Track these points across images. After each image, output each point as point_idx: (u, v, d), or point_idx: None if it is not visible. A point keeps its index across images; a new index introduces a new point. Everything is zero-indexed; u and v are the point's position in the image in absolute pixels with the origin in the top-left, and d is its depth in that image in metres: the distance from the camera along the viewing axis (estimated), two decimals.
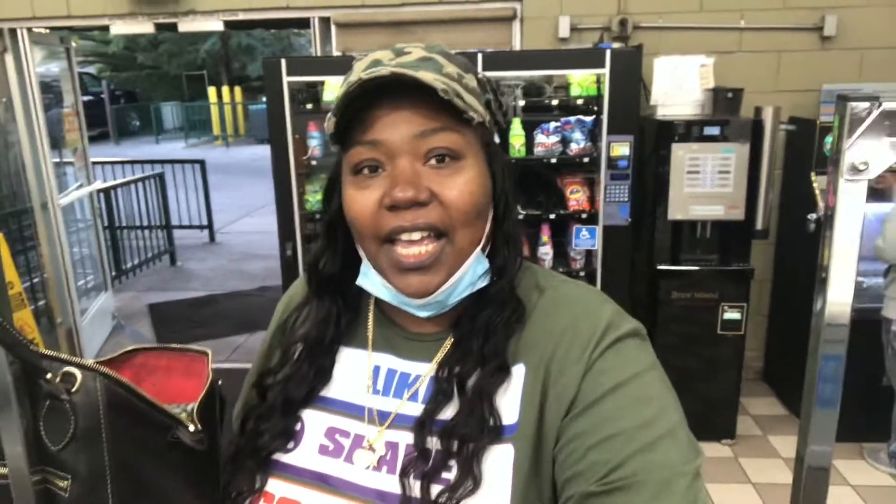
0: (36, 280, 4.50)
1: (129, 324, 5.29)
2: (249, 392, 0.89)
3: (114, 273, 5.97)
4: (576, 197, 3.27)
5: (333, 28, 3.80)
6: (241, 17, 3.87)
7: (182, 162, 8.15)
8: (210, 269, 6.78)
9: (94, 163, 5.74)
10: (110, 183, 6.90)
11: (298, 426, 0.77)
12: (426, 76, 0.64)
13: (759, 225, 3.17)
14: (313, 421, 0.77)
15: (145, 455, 0.74)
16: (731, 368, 3.30)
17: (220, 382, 0.85)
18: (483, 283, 0.73)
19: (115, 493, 0.71)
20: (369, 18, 3.75)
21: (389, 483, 0.70)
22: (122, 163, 8.38)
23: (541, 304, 0.74)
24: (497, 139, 0.75)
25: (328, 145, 3.43)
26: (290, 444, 0.76)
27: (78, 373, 0.69)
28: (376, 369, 0.78)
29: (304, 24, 4.01)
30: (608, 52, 3.03)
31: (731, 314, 3.23)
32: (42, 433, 0.69)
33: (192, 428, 0.77)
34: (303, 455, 0.75)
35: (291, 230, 3.36)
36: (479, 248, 0.71)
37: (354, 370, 0.78)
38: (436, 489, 0.66)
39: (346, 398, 0.77)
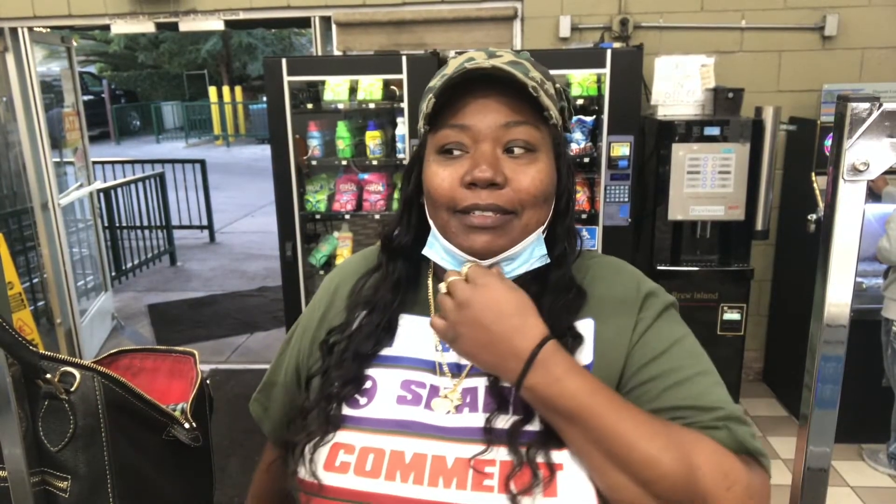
0: (36, 280, 4.50)
1: (128, 324, 5.29)
2: (274, 371, 0.94)
3: (113, 273, 5.97)
4: (576, 197, 3.27)
5: (334, 27, 3.80)
6: (242, 16, 3.88)
7: (182, 162, 8.15)
8: (210, 270, 6.78)
9: (95, 162, 5.75)
10: (110, 183, 6.90)
11: (370, 384, 0.80)
12: (518, 73, 0.73)
13: (759, 225, 3.17)
14: (385, 377, 0.81)
15: (143, 453, 0.75)
16: (731, 369, 3.29)
17: (208, 381, 0.86)
18: (539, 265, 0.79)
19: (115, 492, 0.71)
20: (370, 18, 3.75)
21: (474, 420, 0.75)
22: (123, 162, 8.38)
23: (597, 270, 0.84)
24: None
25: (328, 145, 3.44)
26: (363, 400, 0.79)
27: (76, 373, 0.69)
28: None
29: (304, 23, 4.02)
30: (609, 52, 3.03)
31: (731, 315, 3.23)
32: (41, 434, 0.69)
33: (187, 426, 0.78)
34: (380, 407, 0.78)
35: (291, 230, 3.36)
36: (540, 230, 0.79)
37: (419, 333, 0.84)
38: (524, 425, 0.72)
39: (415, 355, 0.82)
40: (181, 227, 7.59)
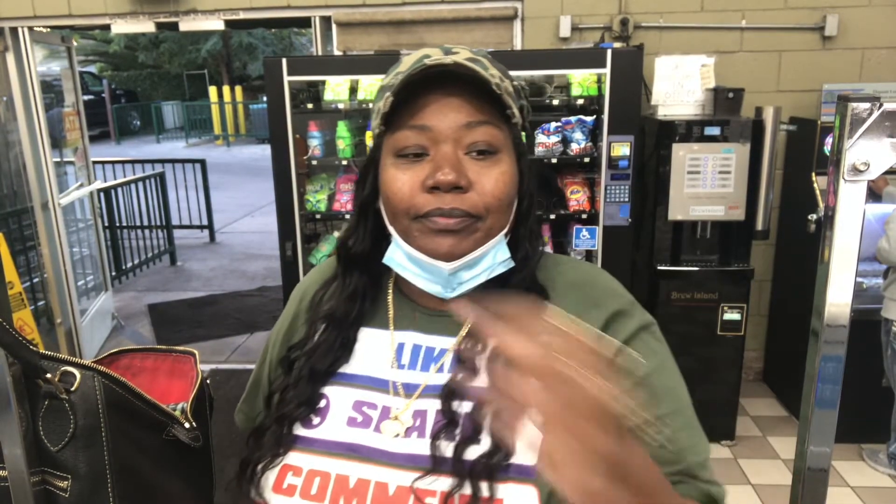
0: (36, 280, 4.50)
1: (128, 324, 5.29)
2: (255, 383, 0.91)
3: (114, 273, 5.97)
4: (576, 197, 3.27)
5: (334, 27, 3.80)
6: (242, 16, 3.87)
7: (182, 161, 8.15)
8: (210, 269, 6.78)
9: (95, 162, 5.74)
10: (111, 182, 6.90)
11: (323, 403, 0.79)
12: (480, 70, 0.70)
13: (759, 225, 3.17)
14: (338, 396, 0.79)
15: (143, 453, 0.75)
16: (731, 369, 3.29)
17: (208, 381, 0.86)
18: (500, 270, 0.77)
19: (115, 492, 0.71)
20: (370, 18, 3.75)
21: (420, 447, 0.72)
22: (123, 162, 8.38)
23: (565, 278, 0.80)
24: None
25: (328, 145, 3.44)
26: (316, 420, 0.78)
27: (77, 372, 0.69)
28: (400, 346, 0.80)
29: (305, 23, 4.02)
30: (609, 52, 3.03)
31: (731, 315, 3.23)
32: (41, 434, 0.69)
33: (187, 425, 0.78)
34: (330, 428, 0.77)
35: (292, 230, 3.36)
36: (503, 233, 0.76)
37: (376, 348, 0.81)
38: (470, 452, 0.69)
39: (370, 373, 0.80)
40: (181, 226, 7.59)
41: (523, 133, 0.80)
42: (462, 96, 0.72)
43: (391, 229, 0.77)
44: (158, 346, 0.89)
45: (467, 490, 0.68)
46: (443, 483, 0.69)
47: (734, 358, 3.29)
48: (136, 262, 6.58)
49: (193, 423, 0.80)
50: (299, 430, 0.77)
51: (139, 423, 0.74)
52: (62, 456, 0.69)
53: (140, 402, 0.74)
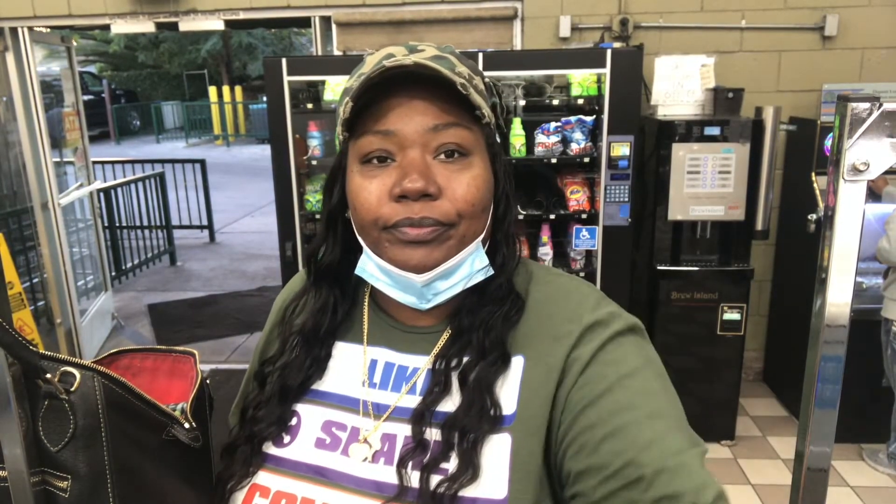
0: (36, 280, 4.50)
1: (128, 324, 5.29)
2: (247, 385, 0.90)
3: (113, 273, 5.97)
4: (576, 197, 3.27)
5: (334, 27, 3.80)
6: (242, 16, 3.87)
7: (182, 161, 8.15)
8: (210, 269, 6.78)
9: (95, 162, 5.74)
10: (110, 183, 6.90)
11: (294, 421, 0.77)
12: (443, 70, 0.66)
13: (759, 225, 3.17)
14: (309, 415, 0.77)
15: (143, 453, 0.75)
16: (731, 369, 3.29)
17: (208, 381, 0.85)
18: (479, 279, 0.73)
19: (115, 492, 0.71)
20: (370, 18, 3.75)
21: (386, 474, 0.70)
22: (123, 162, 8.38)
23: (537, 296, 0.75)
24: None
25: (329, 145, 3.44)
26: (286, 439, 0.76)
27: (76, 372, 0.69)
28: (373, 363, 0.78)
29: (304, 23, 4.01)
30: (609, 52, 3.03)
31: (731, 315, 3.23)
32: (41, 434, 0.69)
33: (187, 426, 0.78)
34: (299, 449, 0.75)
35: (291, 230, 3.36)
36: (479, 240, 0.72)
37: (349, 364, 0.79)
38: (434, 479, 0.67)
39: (341, 391, 0.78)
40: (181, 226, 7.60)
41: (497, 132, 0.76)
42: (427, 98, 0.68)
43: (361, 240, 0.74)
44: (158, 347, 0.89)
45: None
46: None
47: (734, 358, 3.29)
48: (136, 262, 6.58)
49: (193, 424, 0.80)
50: (270, 449, 0.76)
51: (139, 424, 0.74)
52: (62, 456, 0.69)
53: (140, 402, 0.74)
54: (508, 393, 0.70)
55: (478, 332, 0.72)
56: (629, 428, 0.62)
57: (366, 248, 0.74)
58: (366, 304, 0.81)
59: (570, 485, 0.65)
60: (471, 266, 0.72)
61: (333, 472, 0.73)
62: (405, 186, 0.67)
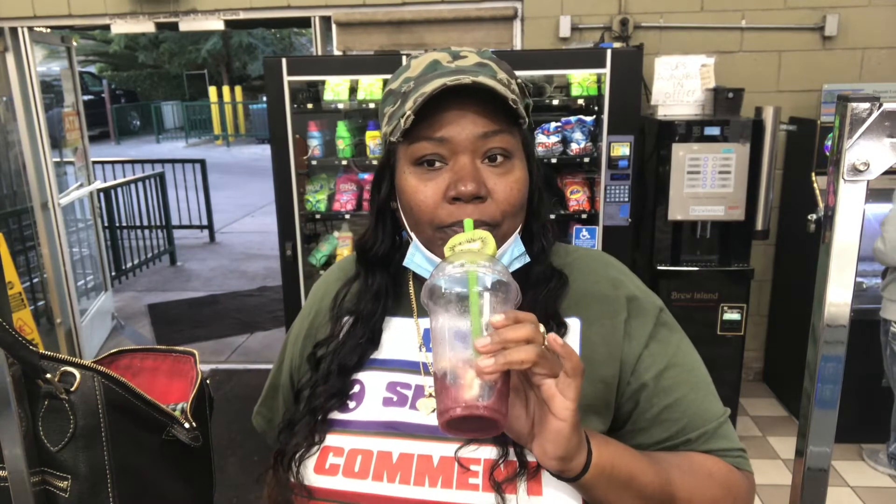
0: (36, 280, 4.50)
1: (128, 324, 5.29)
2: (275, 379, 0.95)
3: (113, 273, 5.97)
4: (576, 197, 3.27)
5: (334, 27, 3.80)
6: (242, 16, 3.87)
7: (182, 161, 8.15)
8: (210, 269, 6.78)
9: (95, 162, 5.74)
10: (110, 183, 6.90)
11: (357, 388, 0.82)
12: (497, 85, 0.73)
13: (759, 225, 3.17)
14: (372, 380, 0.82)
15: (143, 453, 0.75)
16: (731, 369, 3.29)
17: (208, 381, 0.86)
18: (519, 265, 0.81)
19: (115, 492, 0.71)
20: (370, 18, 3.75)
21: None
22: (123, 162, 8.39)
23: (576, 267, 0.86)
24: None
25: (328, 145, 3.44)
26: (352, 404, 0.81)
27: (77, 372, 0.69)
28: (426, 331, 0.84)
29: (304, 23, 4.01)
30: (609, 52, 3.03)
31: (731, 315, 3.23)
32: (41, 434, 0.69)
33: (187, 425, 0.78)
34: (367, 410, 0.80)
35: (292, 230, 3.36)
36: (517, 233, 0.80)
37: (403, 335, 0.85)
38: None
39: (401, 357, 0.84)
40: (181, 226, 7.60)
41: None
42: (477, 107, 0.75)
43: (412, 235, 0.81)
44: (158, 346, 0.89)
45: (512, 457, 0.71)
46: (485, 451, 0.73)
47: (734, 358, 3.29)
48: (136, 262, 6.58)
49: (193, 423, 0.80)
50: (335, 415, 0.80)
51: (139, 423, 0.74)
52: (62, 456, 0.69)
53: (140, 402, 0.74)
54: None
55: (529, 309, 0.76)
56: (682, 401, 0.80)
57: (416, 241, 0.81)
58: (411, 283, 0.88)
59: (631, 424, 0.81)
60: (510, 255, 0.80)
61: (405, 425, 0.78)
62: (460, 190, 0.74)
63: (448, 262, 0.66)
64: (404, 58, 3.15)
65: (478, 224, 0.74)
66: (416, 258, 0.81)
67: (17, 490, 0.67)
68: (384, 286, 0.86)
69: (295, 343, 0.93)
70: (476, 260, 0.65)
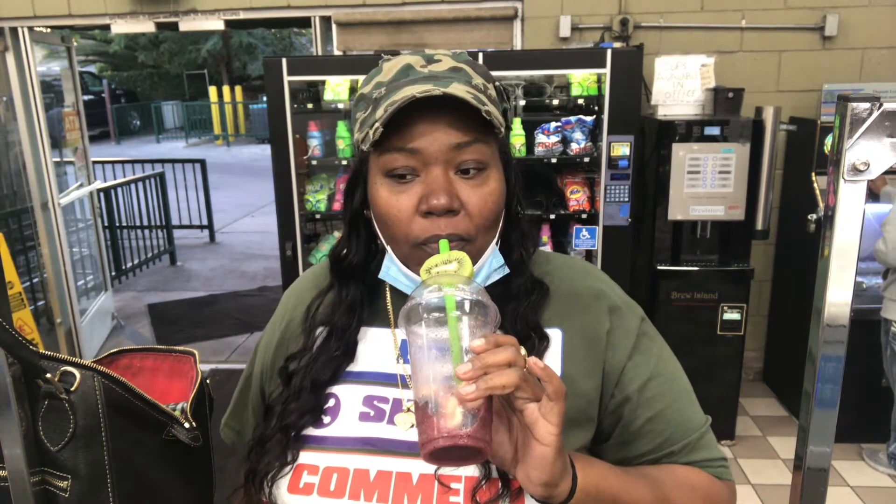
0: (36, 280, 4.50)
1: (128, 324, 5.29)
2: (243, 391, 0.91)
3: (113, 273, 5.97)
4: (576, 197, 3.27)
5: (334, 27, 3.80)
6: (242, 16, 3.87)
7: (182, 161, 8.15)
8: (210, 269, 6.78)
9: (95, 162, 5.74)
10: (110, 182, 6.90)
11: (332, 402, 0.79)
12: (467, 95, 0.70)
13: (759, 225, 3.17)
14: (348, 394, 0.80)
15: (143, 453, 0.75)
16: (731, 369, 3.29)
17: (208, 381, 0.86)
18: (498, 276, 0.80)
19: (115, 492, 0.71)
20: (370, 18, 3.75)
21: None
22: (123, 162, 8.39)
23: (556, 275, 0.84)
24: None
25: (328, 145, 3.44)
26: (327, 419, 0.78)
27: (76, 372, 0.69)
28: (404, 342, 0.81)
29: (305, 23, 4.01)
30: (609, 52, 3.03)
31: (731, 314, 3.23)
32: (41, 434, 0.69)
33: (187, 425, 0.78)
34: (342, 425, 0.77)
35: (292, 230, 3.36)
36: (494, 244, 0.78)
37: (380, 346, 0.82)
38: None
39: (377, 369, 0.81)
40: (181, 226, 7.59)
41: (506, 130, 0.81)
42: (450, 116, 0.71)
43: (387, 248, 0.79)
44: (158, 346, 0.89)
45: (495, 475, 0.70)
46: (467, 469, 0.71)
47: (734, 358, 3.29)
48: (136, 262, 6.58)
49: (193, 423, 0.80)
50: (310, 431, 0.77)
51: (139, 423, 0.74)
52: (62, 456, 0.69)
53: (140, 402, 0.74)
54: (551, 360, 0.78)
55: (510, 321, 0.77)
56: (665, 412, 0.80)
57: (391, 254, 0.79)
58: (388, 292, 0.85)
59: (615, 437, 0.80)
60: (489, 267, 0.78)
61: (382, 441, 0.75)
62: (432, 203, 0.71)
63: (425, 286, 0.64)
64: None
65: (452, 238, 0.72)
66: (392, 271, 0.79)
67: (17, 490, 0.67)
68: (359, 297, 0.83)
69: (266, 351, 0.90)
70: (453, 283, 0.63)
